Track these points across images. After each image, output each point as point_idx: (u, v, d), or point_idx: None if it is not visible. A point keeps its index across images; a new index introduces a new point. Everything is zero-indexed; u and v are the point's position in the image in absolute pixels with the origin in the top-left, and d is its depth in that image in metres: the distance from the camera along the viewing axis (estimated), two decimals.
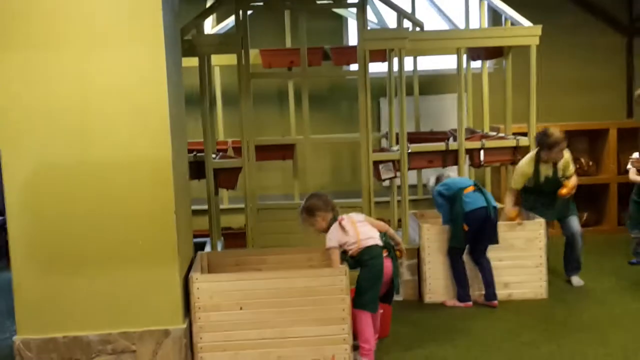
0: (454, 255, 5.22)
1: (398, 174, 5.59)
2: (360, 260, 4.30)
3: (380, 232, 4.42)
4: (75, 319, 3.90)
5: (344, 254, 4.35)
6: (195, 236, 5.78)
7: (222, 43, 5.44)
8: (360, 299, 4.27)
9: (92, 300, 3.90)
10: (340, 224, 4.35)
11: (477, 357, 4.28)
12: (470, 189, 5.22)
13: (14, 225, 3.84)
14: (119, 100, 3.82)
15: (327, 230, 4.37)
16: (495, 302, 5.16)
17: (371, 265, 4.28)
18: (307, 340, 4.13)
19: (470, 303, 5.20)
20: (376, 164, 5.53)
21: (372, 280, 4.29)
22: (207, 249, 5.37)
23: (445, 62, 7.73)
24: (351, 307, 4.24)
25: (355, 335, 4.31)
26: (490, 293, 5.18)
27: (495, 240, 5.19)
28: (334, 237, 4.32)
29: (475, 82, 6.74)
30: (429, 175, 5.86)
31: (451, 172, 5.60)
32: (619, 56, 8.08)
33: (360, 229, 4.35)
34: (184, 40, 5.24)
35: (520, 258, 5.29)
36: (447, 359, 4.27)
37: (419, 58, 7.32)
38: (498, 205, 5.32)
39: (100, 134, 3.83)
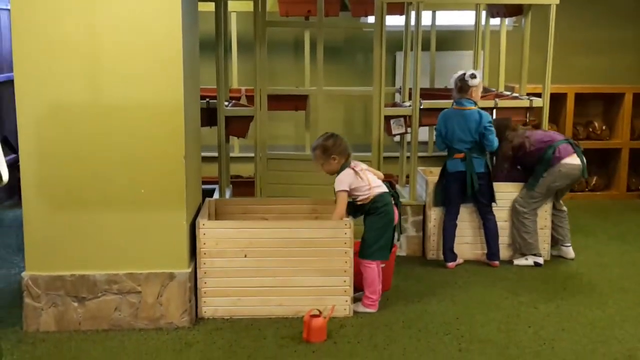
0: (444, 213, 5.29)
1: (409, 129, 5.59)
2: (372, 208, 4.35)
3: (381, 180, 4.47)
4: (82, 258, 3.98)
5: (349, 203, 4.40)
6: (204, 183, 5.84)
7: None
8: (372, 248, 4.34)
9: (100, 241, 3.98)
10: (354, 169, 4.37)
11: (475, 314, 4.34)
12: (460, 155, 5.16)
13: (26, 164, 3.89)
14: (131, 39, 3.81)
15: (333, 173, 4.39)
16: (496, 262, 5.21)
17: (384, 212, 4.34)
18: (308, 290, 4.21)
19: (452, 264, 5.20)
20: (387, 118, 5.53)
21: (385, 228, 4.36)
22: (216, 196, 5.43)
23: (464, 18, 7.62)
24: (356, 258, 4.32)
25: (359, 286, 4.40)
26: (491, 253, 5.22)
27: (489, 200, 5.20)
28: (346, 180, 4.32)
29: (493, 40, 6.67)
30: None
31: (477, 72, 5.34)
32: (638, 18, 7.91)
33: (370, 177, 4.39)
34: None
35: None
36: (445, 314, 4.34)
37: (438, 13, 7.24)
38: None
39: (112, 74, 3.83)
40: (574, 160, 5.13)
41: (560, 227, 5.39)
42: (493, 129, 5.09)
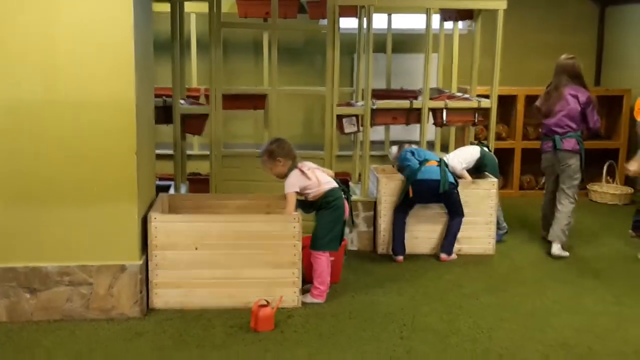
0: (395, 211, 5.46)
1: (361, 128, 5.74)
2: (323, 203, 4.52)
3: (331, 177, 4.65)
4: (35, 250, 4.07)
5: (299, 201, 4.55)
6: (162, 179, 5.96)
7: None
8: (322, 240, 4.52)
9: (53, 234, 4.07)
10: (301, 170, 4.53)
11: (418, 305, 4.51)
12: (433, 163, 5.36)
13: None
14: (84, 40, 3.93)
15: (284, 175, 4.55)
16: (443, 256, 5.39)
17: (335, 206, 4.53)
18: (257, 282, 4.35)
19: (400, 258, 5.38)
20: (340, 117, 5.68)
21: (336, 221, 4.55)
22: (171, 192, 5.53)
23: (420, 22, 7.81)
24: (306, 251, 4.50)
25: (308, 279, 4.55)
26: (443, 245, 5.41)
27: (455, 214, 5.40)
28: (295, 182, 4.50)
29: (447, 43, 6.87)
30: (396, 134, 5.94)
31: (413, 145, 5.71)
32: (590, 24, 8.20)
33: (319, 175, 4.56)
34: None
35: (472, 215, 5.49)
36: (390, 305, 4.50)
37: (394, 16, 7.42)
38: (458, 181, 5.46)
39: (65, 73, 3.94)
40: None
41: None
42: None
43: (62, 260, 4.10)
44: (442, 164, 5.34)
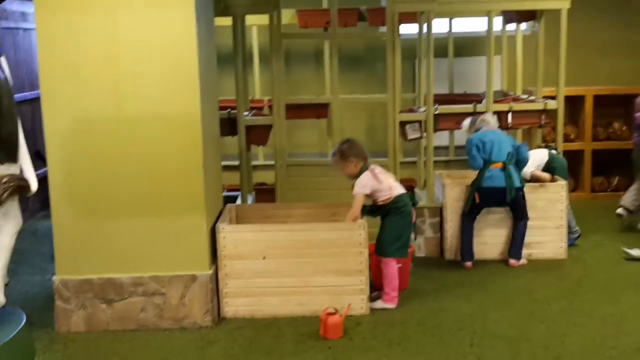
0: (463, 216, 5.39)
1: (425, 134, 5.72)
2: (393, 208, 4.53)
3: None
4: (109, 262, 4.20)
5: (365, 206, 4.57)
6: (229, 190, 6.07)
7: (256, 3, 5.61)
8: (392, 246, 4.53)
9: (125, 245, 4.19)
10: (372, 172, 4.53)
11: (487, 311, 4.46)
12: (498, 165, 5.22)
13: (54, 175, 4.14)
14: (149, 59, 4.05)
15: (356, 176, 4.55)
16: (512, 261, 5.31)
17: (404, 212, 4.54)
18: (325, 290, 4.38)
19: (469, 264, 5.31)
20: (403, 124, 5.68)
21: (405, 226, 4.56)
22: (238, 202, 5.62)
23: (482, 24, 7.74)
24: (374, 258, 4.54)
25: (375, 283, 4.61)
26: (511, 251, 5.33)
27: (521, 217, 5.30)
28: (366, 183, 4.50)
29: (510, 45, 6.79)
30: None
31: (489, 117, 5.50)
32: None
33: (389, 179, 4.59)
34: (219, 0, 5.43)
35: (542, 219, 5.40)
36: (459, 311, 4.46)
37: (456, 20, 7.38)
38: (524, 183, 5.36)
39: (132, 91, 4.08)
40: None
41: None
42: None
43: (135, 271, 4.22)
44: (507, 167, 5.22)
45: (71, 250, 4.19)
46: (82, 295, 4.20)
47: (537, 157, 5.63)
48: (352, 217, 4.47)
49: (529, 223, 5.36)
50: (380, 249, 4.56)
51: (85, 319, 4.22)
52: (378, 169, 4.59)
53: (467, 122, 5.59)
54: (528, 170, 5.48)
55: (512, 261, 5.31)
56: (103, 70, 4.04)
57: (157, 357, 3.93)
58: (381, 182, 4.52)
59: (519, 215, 5.33)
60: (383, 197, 4.54)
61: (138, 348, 4.03)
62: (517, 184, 5.22)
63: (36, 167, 4.09)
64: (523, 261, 5.34)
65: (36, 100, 6.77)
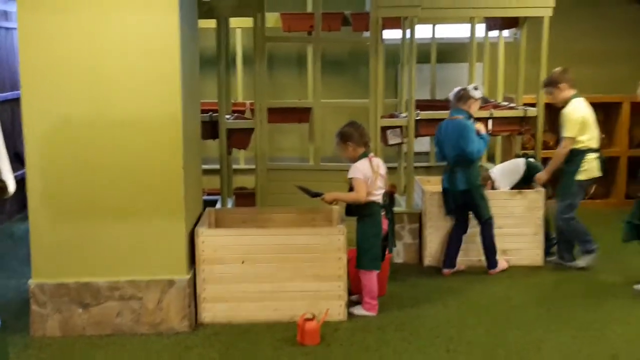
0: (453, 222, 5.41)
1: (406, 140, 5.73)
2: (363, 215, 4.50)
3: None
4: (86, 266, 4.17)
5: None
6: (209, 194, 6.05)
7: (240, 6, 5.60)
8: (365, 259, 4.50)
9: (102, 249, 4.16)
10: (371, 161, 4.50)
11: (465, 317, 4.48)
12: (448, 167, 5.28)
13: (32, 176, 4.10)
14: (131, 61, 4.03)
15: (355, 160, 4.52)
16: (491, 270, 5.31)
17: (373, 222, 4.49)
18: (303, 295, 4.37)
19: (447, 271, 5.30)
20: (384, 129, 5.69)
21: (376, 237, 4.50)
22: (218, 206, 5.60)
23: (465, 31, 7.78)
24: (353, 267, 4.52)
25: (353, 289, 4.63)
26: (486, 258, 5.34)
27: (479, 217, 5.25)
28: (360, 168, 4.46)
29: (492, 52, 6.82)
30: None
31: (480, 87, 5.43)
32: (637, 29, 8.01)
33: (377, 182, 4.52)
34: (204, 2, 5.43)
35: (520, 226, 5.43)
36: (437, 317, 4.47)
37: (440, 26, 7.41)
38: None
39: (113, 93, 4.05)
40: None
41: None
42: (471, 138, 5.09)
43: (112, 275, 4.19)
44: (452, 168, 5.20)
45: (48, 253, 4.15)
46: (58, 299, 4.16)
47: (515, 170, 5.64)
48: (360, 198, 4.43)
49: (507, 230, 5.39)
50: (357, 262, 4.54)
51: (60, 323, 4.18)
52: (375, 162, 4.51)
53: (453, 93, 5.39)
54: (505, 188, 5.54)
55: (491, 270, 5.31)
56: (85, 72, 4.01)
57: None
58: (375, 177, 4.47)
59: (478, 218, 5.29)
60: (372, 195, 4.49)
61: (114, 353, 4.00)
62: (462, 187, 5.19)
63: (15, 168, 4.03)
64: (502, 265, 5.34)
65: (16, 100, 6.75)
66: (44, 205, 4.11)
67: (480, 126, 5.23)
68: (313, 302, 4.34)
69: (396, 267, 5.35)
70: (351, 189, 4.50)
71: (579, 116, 5.28)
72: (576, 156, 5.29)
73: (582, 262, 5.37)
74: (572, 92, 5.39)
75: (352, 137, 4.51)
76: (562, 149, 5.33)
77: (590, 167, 5.31)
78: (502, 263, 5.35)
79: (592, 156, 5.31)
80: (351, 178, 4.48)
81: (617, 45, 7.91)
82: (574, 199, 5.34)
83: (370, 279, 4.53)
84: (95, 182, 4.12)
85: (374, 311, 4.53)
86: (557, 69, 5.42)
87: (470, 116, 5.21)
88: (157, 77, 4.07)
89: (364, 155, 4.51)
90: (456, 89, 5.31)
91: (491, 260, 5.31)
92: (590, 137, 5.32)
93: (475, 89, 5.21)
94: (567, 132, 5.31)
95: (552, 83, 5.42)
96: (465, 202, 5.23)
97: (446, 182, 5.28)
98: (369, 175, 4.46)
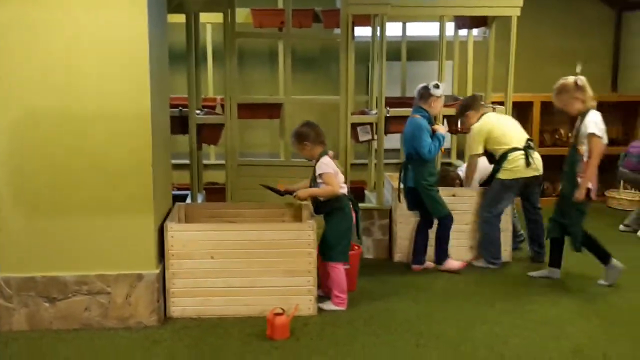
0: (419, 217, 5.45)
1: (376, 136, 5.77)
2: (334, 208, 4.54)
3: None
4: (53, 260, 4.13)
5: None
6: (179, 189, 6.02)
7: (210, 1, 5.59)
8: (334, 251, 4.54)
9: (71, 243, 4.13)
10: (331, 157, 4.58)
11: (433, 311, 4.52)
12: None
13: (0, 170, 4.05)
14: (99, 55, 3.99)
15: (314, 159, 4.59)
16: (441, 266, 5.34)
17: (345, 215, 4.55)
18: (273, 290, 4.37)
19: (415, 267, 5.34)
20: (354, 126, 5.72)
21: (347, 231, 4.56)
22: (188, 201, 5.58)
23: (435, 29, 7.84)
24: (320, 261, 4.52)
25: (323, 286, 4.63)
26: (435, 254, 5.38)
27: (433, 215, 5.26)
28: (329, 164, 4.53)
29: (462, 50, 6.89)
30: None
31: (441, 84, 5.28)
32: (606, 29, 8.16)
33: (340, 177, 4.61)
34: None
35: None
36: (406, 311, 4.52)
37: (411, 24, 7.45)
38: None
39: (82, 87, 4.00)
40: None
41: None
42: (423, 138, 5.05)
43: (80, 269, 4.15)
44: (405, 165, 5.25)
45: (15, 247, 4.10)
46: (25, 293, 4.12)
47: (481, 167, 5.67)
48: (328, 192, 4.50)
49: (473, 226, 5.46)
50: (325, 254, 4.57)
51: (27, 317, 4.14)
52: (331, 160, 4.59)
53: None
54: (474, 183, 5.59)
55: (441, 266, 5.32)
56: (52, 66, 3.96)
57: (101, 357, 3.88)
58: (337, 172, 4.56)
59: (434, 216, 5.28)
60: (341, 188, 4.55)
61: (82, 348, 3.97)
62: (410, 183, 5.24)
63: None
64: (453, 264, 5.29)
65: None
66: (11, 199, 4.06)
67: (437, 126, 5.21)
68: (283, 297, 4.35)
69: (366, 263, 5.39)
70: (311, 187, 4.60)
71: (480, 133, 5.39)
72: (500, 157, 5.38)
73: (479, 263, 5.47)
74: (480, 114, 5.46)
75: (309, 137, 4.56)
76: (468, 167, 5.60)
77: (515, 167, 5.33)
78: (454, 263, 5.31)
79: (515, 155, 5.33)
80: (321, 174, 4.51)
81: (584, 44, 8.03)
82: (494, 198, 5.38)
83: (340, 272, 4.56)
84: (63, 177, 4.08)
85: (344, 306, 4.56)
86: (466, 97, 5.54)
87: (428, 115, 5.16)
88: (126, 71, 4.04)
89: (324, 153, 4.56)
90: (418, 87, 5.28)
91: (439, 255, 5.31)
92: (507, 140, 5.37)
93: (436, 86, 5.13)
94: (469, 150, 5.55)
95: (460, 113, 5.59)
96: (416, 199, 5.25)
97: (401, 178, 5.31)
98: (335, 169, 4.54)
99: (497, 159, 5.39)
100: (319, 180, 4.54)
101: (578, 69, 4.96)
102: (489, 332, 4.22)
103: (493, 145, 5.40)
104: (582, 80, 4.94)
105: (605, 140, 4.84)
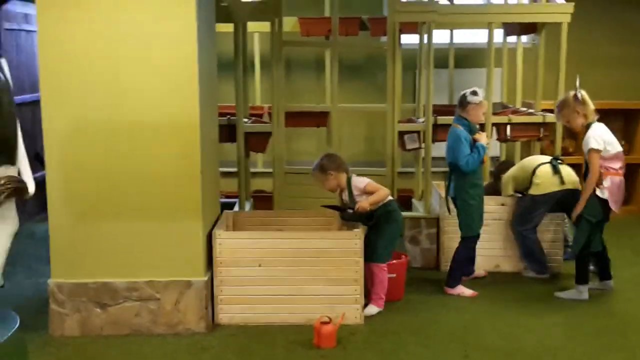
0: None
1: (423, 145, 5.73)
2: (385, 213, 4.63)
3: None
4: (104, 266, 4.21)
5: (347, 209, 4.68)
6: (227, 197, 6.07)
7: (257, 10, 5.64)
8: (383, 252, 4.63)
9: (121, 250, 4.20)
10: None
11: (481, 322, 4.48)
12: None
13: (52, 177, 4.14)
14: (149, 64, 4.07)
15: (336, 189, 4.70)
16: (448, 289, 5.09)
17: (397, 217, 4.69)
18: (319, 299, 4.38)
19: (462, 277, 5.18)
20: (401, 134, 5.70)
21: (395, 233, 4.70)
22: (236, 209, 5.63)
23: (484, 36, 7.76)
24: (366, 263, 4.51)
25: (370, 289, 4.64)
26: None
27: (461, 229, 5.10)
28: (364, 179, 4.67)
29: (511, 57, 6.81)
30: None
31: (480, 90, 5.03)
32: None
33: None
34: (222, 6, 5.46)
35: (540, 231, 5.39)
36: (453, 323, 4.47)
37: (458, 31, 7.40)
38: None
39: (132, 93, 4.09)
40: None
41: None
42: (460, 149, 4.84)
43: (131, 276, 4.22)
44: (449, 175, 5.08)
45: (67, 253, 4.19)
46: (77, 299, 4.20)
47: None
48: (382, 196, 4.63)
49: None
50: (375, 256, 4.58)
51: (79, 323, 4.22)
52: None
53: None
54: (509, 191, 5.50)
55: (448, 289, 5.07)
56: (103, 75, 4.06)
57: None
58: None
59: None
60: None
61: (131, 353, 4.03)
62: (451, 193, 5.10)
63: (35, 169, 4.09)
64: (462, 292, 4.99)
65: (36, 102, 6.77)
66: (63, 206, 4.16)
67: (478, 135, 4.93)
68: (329, 306, 4.34)
69: (413, 272, 5.35)
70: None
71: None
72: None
73: (529, 273, 5.39)
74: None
75: (332, 166, 4.64)
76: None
77: (543, 182, 5.25)
78: (465, 291, 5.00)
79: (542, 169, 5.28)
80: (365, 185, 4.62)
81: (636, 50, 7.86)
82: (525, 214, 5.32)
83: (384, 272, 4.63)
84: (113, 184, 4.16)
85: (382, 305, 4.62)
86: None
87: (468, 123, 4.93)
88: (175, 80, 4.11)
89: (349, 178, 4.65)
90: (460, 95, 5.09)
91: (450, 279, 5.04)
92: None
93: (474, 93, 4.91)
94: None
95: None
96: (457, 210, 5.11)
97: (446, 187, 5.18)
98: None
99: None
100: (358, 199, 4.60)
101: (577, 82, 4.86)
102: (538, 344, 4.15)
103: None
104: (582, 94, 4.86)
105: (618, 148, 4.76)
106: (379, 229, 4.63)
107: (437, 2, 5.63)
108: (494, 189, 5.56)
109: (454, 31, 7.34)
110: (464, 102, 4.94)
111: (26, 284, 5.23)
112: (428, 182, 5.71)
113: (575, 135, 7.34)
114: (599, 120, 4.87)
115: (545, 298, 4.92)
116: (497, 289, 5.10)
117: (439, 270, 5.53)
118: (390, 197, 4.69)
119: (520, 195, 5.43)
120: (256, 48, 7.38)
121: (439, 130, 5.76)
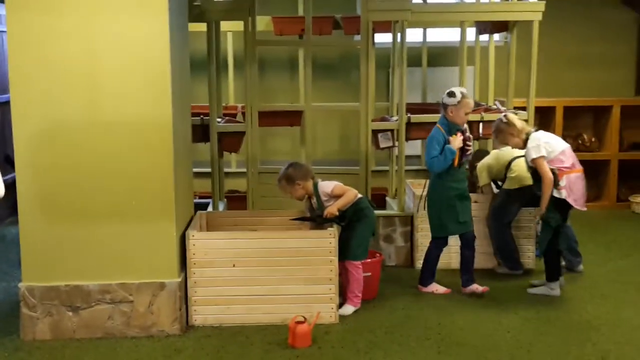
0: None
1: (397, 143, 5.75)
2: (357, 210, 4.64)
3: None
4: (76, 269, 4.16)
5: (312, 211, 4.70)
6: (201, 197, 6.04)
7: (230, 9, 5.60)
8: (358, 250, 4.63)
9: (93, 252, 4.15)
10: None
11: (455, 319, 4.50)
12: None
13: (22, 178, 4.09)
14: (121, 64, 4.03)
15: (304, 197, 4.70)
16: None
17: (369, 215, 4.68)
18: (294, 298, 4.37)
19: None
20: (375, 132, 5.70)
21: (371, 229, 4.72)
22: (209, 209, 5.60)
23: (456, 34, 7.80)
24: (339, 262, 4.50)
25: (345, 288, 4.63)
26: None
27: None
28: (332, 182, 4.66)
29: (483, 55, 6.85)
30: None
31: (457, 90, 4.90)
32: (629, 33, 8.06)
33: None
34: (195, 5, 5.43)
35: (514, 229, 5.44)
36: (428, 320, 4.49)
37: (431, 30, 7.43)
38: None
39: (105, 94, 4.05)
40: None
41: None
42: (431, 147, 4.79)
43: (103, 278, 4.18)
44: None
45: (38, 256, 4.14)
46: (49, 302, 4.15)
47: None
48: (349, 198, 4.61)
49: None
50: (346, 254, 4.58)
51: (51, 326, 4.17)
52: None
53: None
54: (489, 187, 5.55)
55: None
56: (75, 75, 4.01)
57: None
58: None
59: None
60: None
61: (104, 356, 3.99)
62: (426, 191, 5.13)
63: (5, 172, 4.05)
64: (435, 289, 5.01)
65: (6, 104, 6.70)
66: (34, 209, 4.10)
67: (453, 138, 4.79)
68: (304, 305, 4.34)
69: (387, 270, 5.37)
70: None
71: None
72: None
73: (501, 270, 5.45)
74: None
75: (299, 175, 4.63)
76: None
77: (517, 175, 5.33)
78: (437, 287, 5.02)
79: (517, 163, 5.34)
80: (332, 189, 4.61)
81: (607, 48, 7.96)
82: (500, 208, 5.41)
83: (359, 270, 4.63)
84: (85, 186, 4.11)
85: (359, 304, 4.62)
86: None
87: (448, 123, 4.85)
88: (148, 80, 4.08)
89: (315, 184, 4.65)
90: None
91: (422, 277, 5.05)
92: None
93: (450, 95, 4.79)
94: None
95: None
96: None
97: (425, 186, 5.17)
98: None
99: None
100: (327, 204, 4.60)
101: (497, 105, 4.93)
102: (511, 339, 4.18)
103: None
104: (507, 116, 4.96)
105: (562, 147, 4.81)
106: (352, 227, 4.64)
107: (410, 0, 5.63)
108: (469, 181, 5.56)
109: (427, 30, 7.38)
110: (443, 104, 4.88)
111: None
112: (402, 181, 5.72)
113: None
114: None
115: (518, 294, 4.96)
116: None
117: (413, 267, 5.55)
118: (359, 195, 4.66)
119: (495, 184, 5.47)
120: (229, 47, 7.34)
121: (413, 129, 5.78)
